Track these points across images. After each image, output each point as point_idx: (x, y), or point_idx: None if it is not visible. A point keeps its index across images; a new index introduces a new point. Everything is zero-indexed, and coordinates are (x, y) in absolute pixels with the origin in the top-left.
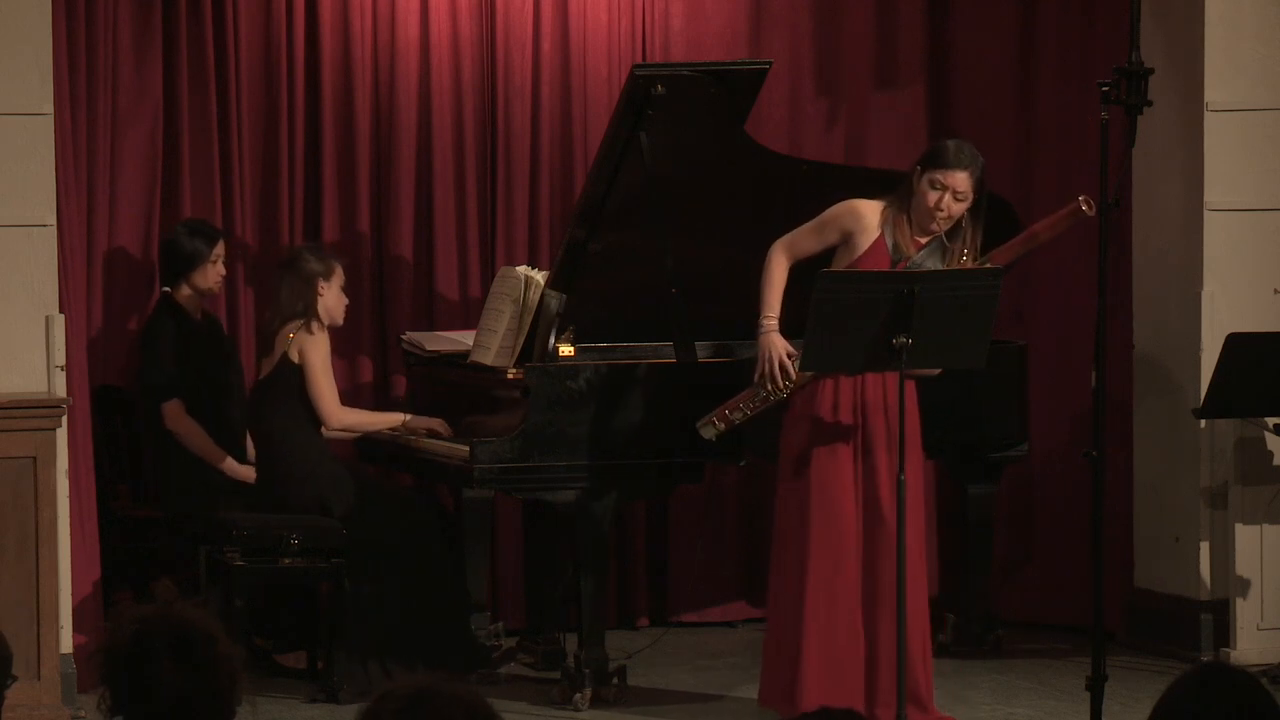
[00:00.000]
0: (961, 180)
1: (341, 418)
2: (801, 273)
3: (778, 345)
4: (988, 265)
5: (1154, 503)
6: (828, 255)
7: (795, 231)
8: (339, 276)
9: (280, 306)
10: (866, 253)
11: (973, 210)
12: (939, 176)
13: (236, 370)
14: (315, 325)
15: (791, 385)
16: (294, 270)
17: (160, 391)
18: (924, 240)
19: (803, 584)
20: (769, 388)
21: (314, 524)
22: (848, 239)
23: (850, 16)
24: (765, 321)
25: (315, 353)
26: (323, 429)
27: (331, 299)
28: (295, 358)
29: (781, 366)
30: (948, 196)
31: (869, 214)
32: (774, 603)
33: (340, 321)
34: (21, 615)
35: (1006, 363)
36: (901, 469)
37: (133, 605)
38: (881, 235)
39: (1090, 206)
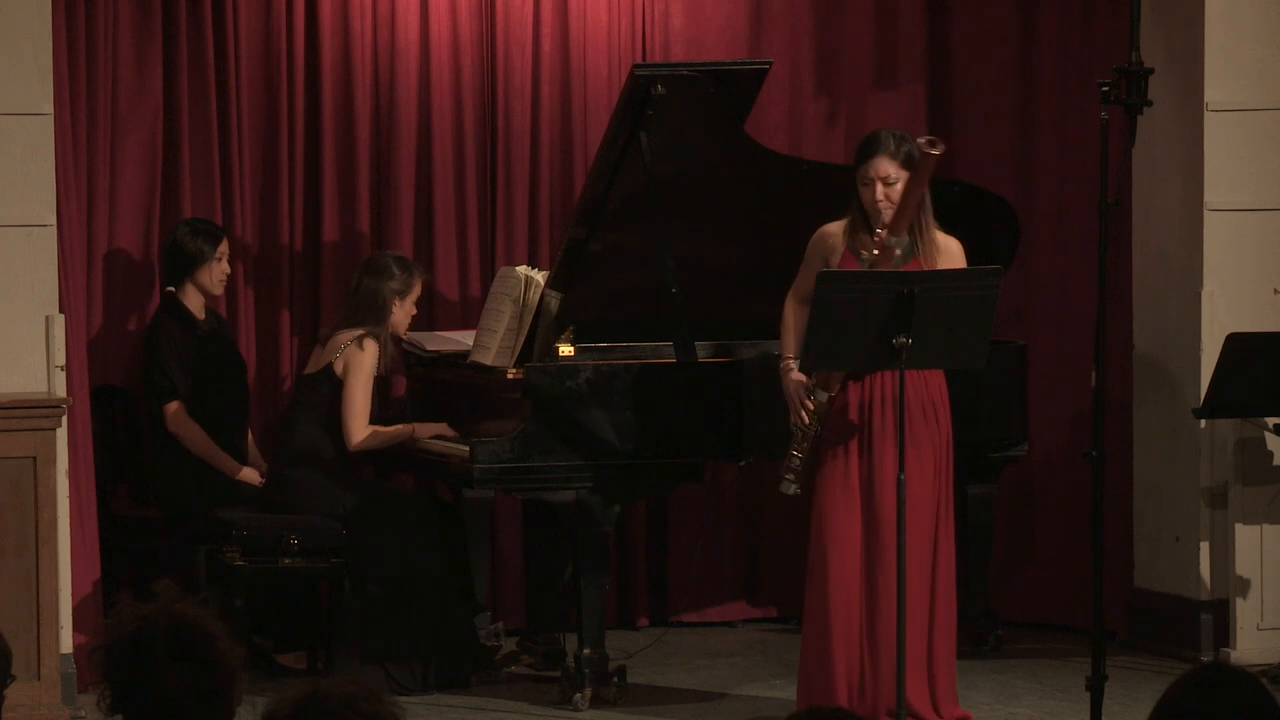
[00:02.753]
0: (884, 166)
1: (364, 441)
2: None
3: (794, 384)
4: (891, 239)
5: (1154, 503)
6: None
7: (796, 279)
8: (415, 293)
9: (349, 304)
10: (838, 267)
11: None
12: (865, 171)
13: (239, 370)
14: (367, 341)
15: (815, 415)
16: (375, 275)
17: (162, 393)
18: (882, 235)
19: (826, 592)
20: (800, 425)
21: (314, 524)
22: (828, 261)
23: (850, 16)
24: (782, 365)
25: (359, 370)
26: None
27: (399, 315)
28: (339, 370)
29: (802, 404)
30: (880, 187)
31: (834, 232)
32: (806, 606)
33: (404, 333)
34: (21, 615)
35: (1006, 363)
36: (902, 469)
37: (133, 603)
38: (846, 248)
39: (935, 146)
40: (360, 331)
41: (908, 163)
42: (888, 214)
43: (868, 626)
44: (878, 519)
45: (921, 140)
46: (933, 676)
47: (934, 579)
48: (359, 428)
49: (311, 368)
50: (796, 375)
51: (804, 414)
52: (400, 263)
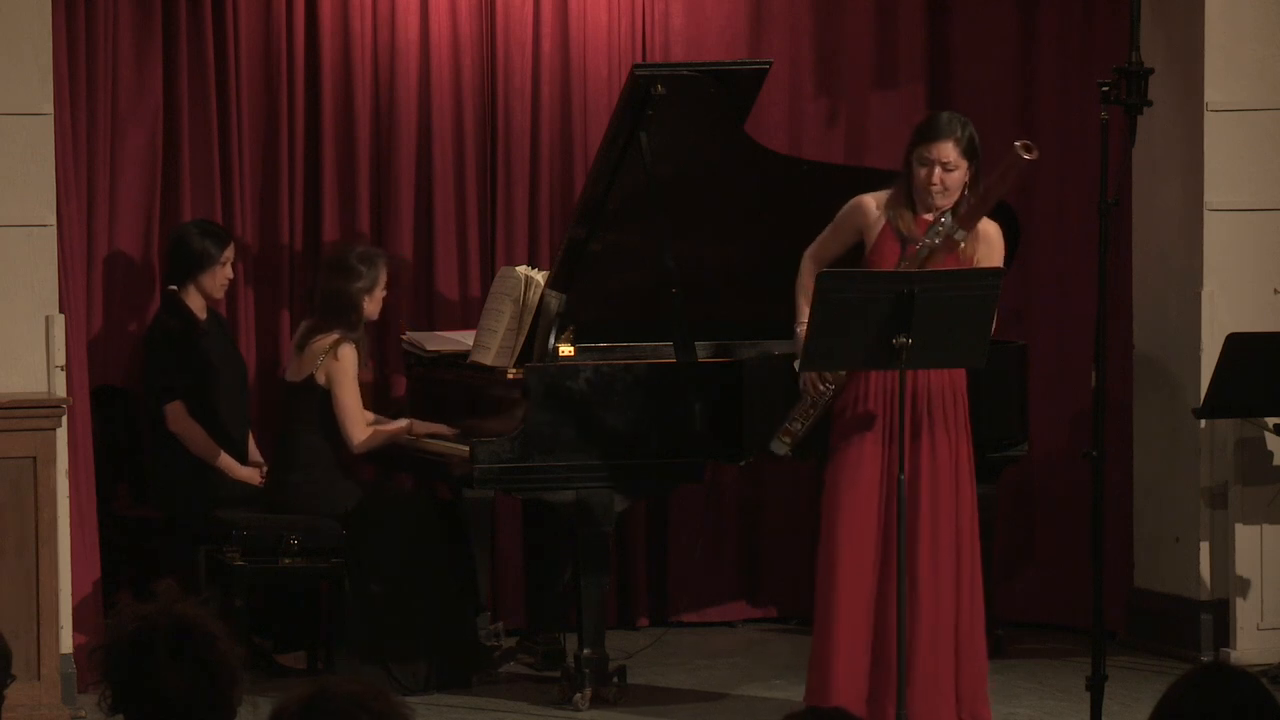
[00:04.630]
0: (947, 150)
1: (367, 441)
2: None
3: None
4: (959, 233)
5: (1154, 503)
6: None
7: (819, 237)
8: (382, 280)
9: (318, 308)
10: (876, 243)
11: (971, 180)
12: (924, 152)
13: (240, 370)
14: (342, 350)
15: (833, 385)
16: (340, 276)
17: (163, 393)
18: (930, 218)
19: (832, 588)
20: (812, 393)
21: (314, 524)
22: (863, 235)
23: (850, 16)
24: (797, 330)
25: (342, 379)
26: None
27: (371, 306)
28: (322, 381)
29: (820, 373)
30: (938, 170)
31: (873, 205)
32: (817, 601)
33: (376, 317)
34: (21, 615)
35: (1006, 363)
36: (902, 468)
37: (134, 603)
38: (887, 223)
39: (1030, 150)
40: (335, 336)
41: (969, 149)
42: (940, 198)
43: (881, 628)
44: (897, 517)
45: (1018, 144)
46: (959, 679)
47: (959, 577)
48: (358, 431)
49: (293, 375)
50: None
51: (820, 385)
52: (363, 259)
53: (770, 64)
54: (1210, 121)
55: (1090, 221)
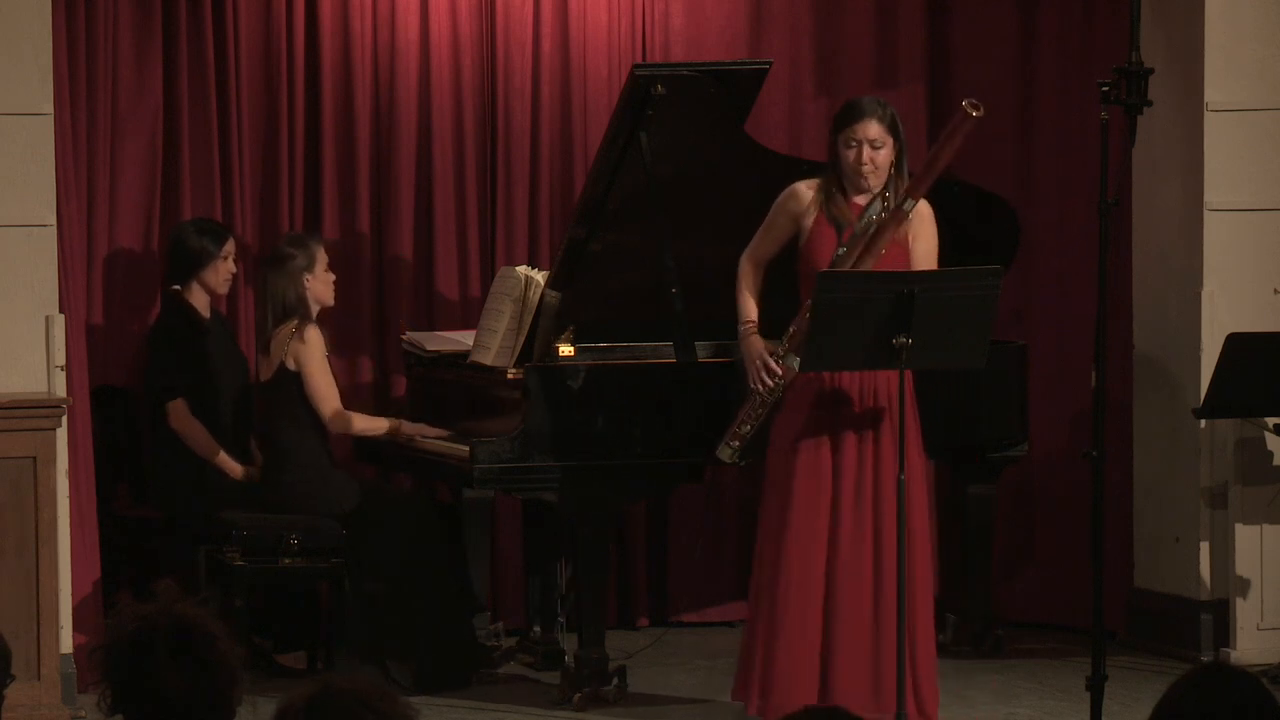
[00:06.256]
0: (872, 129)
1: (345, 424)
2: (796, 274)
3: (756, 347)
4: (908, 203)
5: (1154, 503)
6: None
7: (754, 238)
8: (321, 260)
9: (271, 306)
10: (812, 231)
11: (896, 160)
12: (849, 134)
13: (242, 370)
14: (307, 331)
15: (781, 382)
16: (277, 268)
17: (164, 391)
18: (862, 202)
19: (777, 581)
20: (760, 390)
21: (314, 524)
22: (799, 222)
23: (850, 16)
24: (741, 328)
25: (310, 359)
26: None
27: (318, 286)
28: (292, 366)
29: (765, 366)
30: (865, 149)
31: (806, 192)
32: (753, 598)
33: (331, 301)
34: (21, 615)
35: (1006, 363)
36: (902, 468)
37: (134, 603)
38: (821, 212)
39: (977, 109)
40: (294, 323)
41: (893, 127)
42: (871, 178)
43: (828, 624)
44: (867, 516)
45: (965, 102)
46: (917, 678)
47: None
48: (336, 414)
49: (265, 374)
50: (758, 339)
51: (768, 379)
52: (293, 242)
53: (770, 64)
54: (1210, 121)
55: (1090, 221)
